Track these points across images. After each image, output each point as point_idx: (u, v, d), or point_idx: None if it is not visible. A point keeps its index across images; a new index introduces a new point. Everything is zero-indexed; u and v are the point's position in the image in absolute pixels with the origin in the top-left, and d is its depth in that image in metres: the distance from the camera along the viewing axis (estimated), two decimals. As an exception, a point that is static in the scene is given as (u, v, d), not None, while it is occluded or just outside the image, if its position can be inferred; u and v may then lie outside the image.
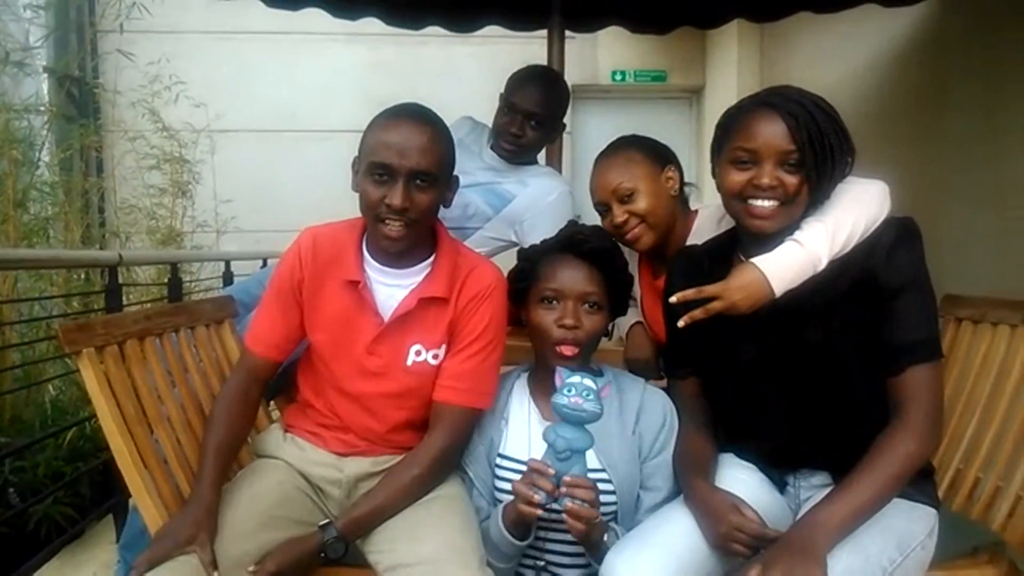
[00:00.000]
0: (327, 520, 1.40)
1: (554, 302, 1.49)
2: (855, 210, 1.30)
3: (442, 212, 1.54)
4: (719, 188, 1.37)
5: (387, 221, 1.41)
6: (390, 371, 1.50)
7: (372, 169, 1.40)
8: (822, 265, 1.28)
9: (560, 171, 2.71)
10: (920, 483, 1.30)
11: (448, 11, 3.35)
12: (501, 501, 1.47)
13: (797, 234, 1.30)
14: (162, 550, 1.27)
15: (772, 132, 1.27)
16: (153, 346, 1.56)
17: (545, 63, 2.83)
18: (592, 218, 1.78)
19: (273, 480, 1.48)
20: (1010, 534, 1.49)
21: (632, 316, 1.91)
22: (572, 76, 2.99)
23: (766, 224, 1.30)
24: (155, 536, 1.34)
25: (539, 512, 1.27)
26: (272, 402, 1.87)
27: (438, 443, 1.47)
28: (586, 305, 1.49)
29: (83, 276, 3.93)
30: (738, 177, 1.31)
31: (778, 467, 1.42)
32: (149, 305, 3.89)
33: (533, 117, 2.13)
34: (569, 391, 1.29)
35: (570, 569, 1.47)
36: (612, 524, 1.41)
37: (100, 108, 5.63)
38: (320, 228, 1.56)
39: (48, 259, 3.05)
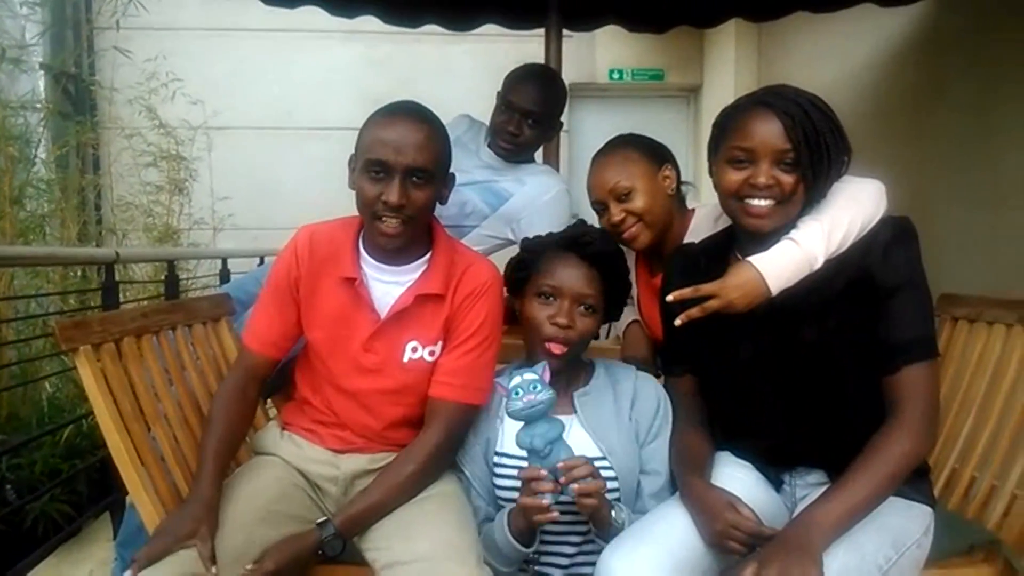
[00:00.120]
0: (325, 518, 1.40)
1: (551, 298, 1.50)
2: (851, 209, 1.30)
3: (439, 210, 1.54)
4: (716, 187, 1.38)
5: (384, 218, 1.41)
6: (386, 368, 1.50)
7: (368, 166, 1.40)
8: (818, 264, 1.28)
9: (557, 169, 2.71)
10: (916, 482, 1.30)
11: (445, 9, 3.34)
12: (501, 499, 1.47)
13: (793, 233, 1.30)
14: (162, 545, 1.27)
15: (768, 131, 1.27)
16: (150, 343, 1.56)
17: (542, 61, 2.83)
18: (589, 216, 1.78)
19: (271, 476, 1.48)
20: (1006, 532, 1.50)
21: (629, 315, 1.92)
22: (569, 75, 3.00)
23: (762, 223, 1.31)
24: (155, 531, 1.34)
25: (555, 515, 1.28)
26: (269, 400, 1.87)
27: (433, 439, 1.47)
28: (582, 307, 1.49)
29: (80, 273, 3.92)
30: (734, 176, 1.31)
31: (774, 465, 1.43)
32: (146, 303, 3.88)
33: (530, 116, 2.13)
34: (518, 394, 1.31)
35: (558, 569, 1.47)
36: (616, 503, 1.41)
37: (97, 105, 5.62)
38: (316, 226, 1.56)
39: (44, 256, 3.04)
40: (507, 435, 1.51)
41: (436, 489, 1.47)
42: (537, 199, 2.17)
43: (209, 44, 5.82)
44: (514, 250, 1.70)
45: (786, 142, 1.26)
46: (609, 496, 1.39)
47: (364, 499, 1.42)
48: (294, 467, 1.52)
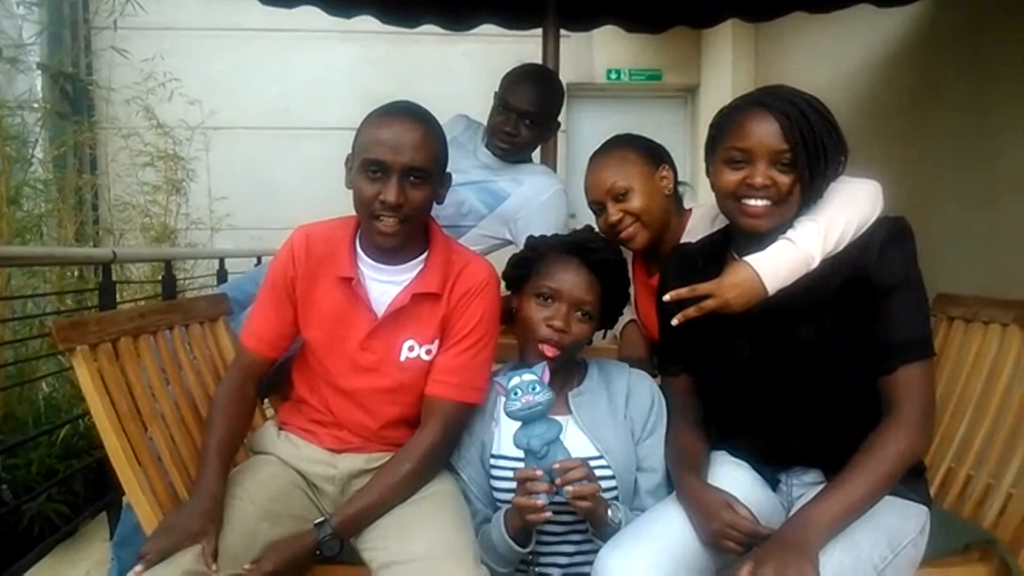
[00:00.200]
0: (322, 518, 1.40)
1: (549, 300, 1.50)
2: (848, 209, 1.30)
3: (436, 210, 1.54)
4: (713, 187, 1.38)
5: (381, 217, 1.41)
6: (383, 367, 1.50)
7: (366, 166, 1.41)
8: (815, 264, 1.29)
9: (555, 170, 2.71)
10: (912, 481, 1.30)
11: (443, 10, 3.35)
12: (499, 502, 1.47)
13: (790, 233, 1.30)
14: (172, 540, 1.25)
15: (765, 132, 1.27)
16: (147, 343, 1.55)
17: (540, 62, 2.82)
18: (586, 216, 1.78)
19: (268, 475, 1.48)
20: (1001, 532, 1.50)
21: (626, 315, 1.92)
22: (567, 75, 3.00)
23: (759, 223, 1.31)
24: (162, 526, 1.32)
25: (549, 515, 1.28)
26: (266, 400, 1.87)
27: (429, 437, 1.47)
28: (579, 312, 1.50)
29: (77, 273, 3.91)
30: (731, 176, 1.32)
31: (770, 465, 1.43)
32: (143, 302, 3.87)
33: (528, 116, 2.13)
34: (516, 395, 1.31)
35: (557, 569, 1.48)
36: (613, 502, 1.41)
37: (94, 105, 5.62)
38: (313, 226, 1.57)
39: (41, 256, 3.04)
40: (503, 438, 1.51)
41: (433, 488, 1.47)
42: (534, 199, 2.17)
43: (206, 44, 5.82)
44: (512, 250, 1.70)
45: (783, 142, 1.26)
46: (607, 495, 1.39)
47: (361, 499, 1.42)
48: (291, 467, 1.52)
